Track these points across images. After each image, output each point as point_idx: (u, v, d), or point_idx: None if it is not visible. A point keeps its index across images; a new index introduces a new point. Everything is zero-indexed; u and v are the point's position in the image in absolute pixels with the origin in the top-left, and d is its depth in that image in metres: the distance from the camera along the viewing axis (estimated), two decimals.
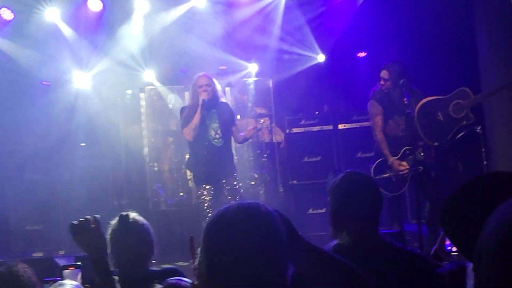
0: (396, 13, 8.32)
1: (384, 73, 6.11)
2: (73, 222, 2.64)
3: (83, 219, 2.64)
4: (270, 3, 8.36)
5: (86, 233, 2.58)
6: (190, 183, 8.35)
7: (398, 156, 6.01)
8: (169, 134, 9.11)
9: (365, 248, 2.55)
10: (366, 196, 2.63)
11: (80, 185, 8.12)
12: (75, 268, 3.00)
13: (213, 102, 6.36)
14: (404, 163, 5.97)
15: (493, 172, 1.91)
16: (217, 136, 6.41)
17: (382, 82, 6.12)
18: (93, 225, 2.62)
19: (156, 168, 8.89)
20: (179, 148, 8.86)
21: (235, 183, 6.47)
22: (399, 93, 5.89)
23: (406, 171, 5.92)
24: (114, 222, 3.07)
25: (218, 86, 6.59)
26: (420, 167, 5.86)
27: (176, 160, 8.82)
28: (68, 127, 8.39)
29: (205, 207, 6.31)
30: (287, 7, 8.36)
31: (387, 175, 6.01)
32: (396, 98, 5.99)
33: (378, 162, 6.11)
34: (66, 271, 3.01)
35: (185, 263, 7.09)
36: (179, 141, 8.88)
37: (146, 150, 8.60)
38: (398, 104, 5.97)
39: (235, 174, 6.52)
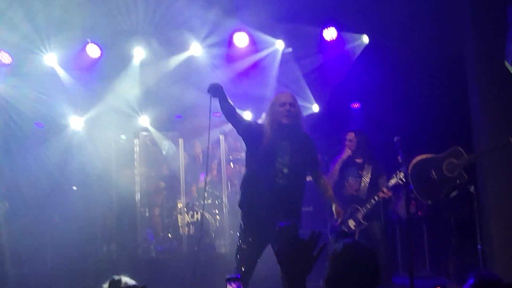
0: (390, 68, 8.44)
1: (350, 135, 6.89)
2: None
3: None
4: (267, 55, 8.47)
5: None
6: (181, 230, 8.30)
7: (347, 215, 6.54)
8: (161, 179, 9.09)
9: None
10: (364, 270, 2.62)
11: (70, 229, 8.03)
12: None
13: (289, 129, 4.98)
14: (350, 221, 6.56)
15: None
16: (279, 174, 4.91)
17: (347, 143, 6.88)
18: None
19: (147, 214, 8.84)
20: (171, 194, 8.84)
21: None
22: (360, 156, 6.80)
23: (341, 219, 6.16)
24: (105, 286, 3.00)
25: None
26: (365, 222, 6.51)
27: (167, 206, 8.79)
28: (60, 170, 8.36)
29: (235, 254, 4.96)
30: (283, 59, 8.47)
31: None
32: (354, 161, 6.81)
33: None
34: None
35: None
36: (171, 187, 8.87)
37: (138, 195, 8.54)
38: (353, 167, 6.76)
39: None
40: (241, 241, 4.96)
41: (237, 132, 5.14)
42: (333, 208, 5.33)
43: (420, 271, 8.54)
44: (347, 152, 6.83)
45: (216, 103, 5.00)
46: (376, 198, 6.50)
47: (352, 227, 6.47)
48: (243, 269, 4.82)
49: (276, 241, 4.64)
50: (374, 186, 6.63)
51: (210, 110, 5.12)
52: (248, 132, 5.05)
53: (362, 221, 6.51)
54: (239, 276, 2.74)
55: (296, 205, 5.02)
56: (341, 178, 6.76)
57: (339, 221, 6.01)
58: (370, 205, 6.51)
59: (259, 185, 4.95)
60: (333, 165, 6.89)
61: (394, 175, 6.39)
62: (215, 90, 4.94)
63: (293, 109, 4.98)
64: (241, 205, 5.09)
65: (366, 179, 6.69)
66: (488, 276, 2.88)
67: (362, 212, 6.53)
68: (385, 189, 6.45)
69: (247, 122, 5.19)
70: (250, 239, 4.92)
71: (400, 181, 6.29)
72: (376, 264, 2.64)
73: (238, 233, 5.09)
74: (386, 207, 8.31)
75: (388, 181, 6.43)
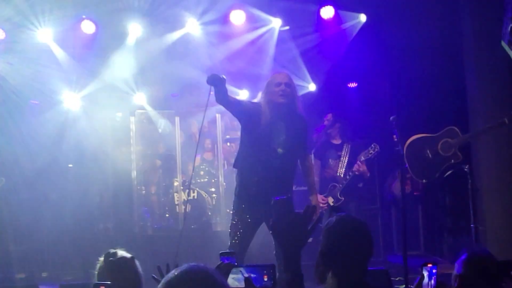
0: (387, 47, 8.42)
1: (328, 116, 7.18)
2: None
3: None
4: (264, 33, 8.42)
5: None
6: (178, 208, 8.34)
7: (326, 194, 6.85)
8: (157, 157, 9.10)
9: None
10: (358, 242, 2.65)
11: (66, 207, 8.05)
12: None
13: (286, 109, 5.00)
14: (330, 198, 6.85)
15: None
16: (274, 154, 4.96)
17: (325, 123, 7.18)
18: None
19: (143, 192, 8.86)
20: (167, 172, 8.85)
21: None
22: (338, 137, 7.09)
23: (325, 204, 6.76)
24: (101, 259, 3.01)
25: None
26: (342, 198, 6.82)
27: (164, 184, 8.81)
28: (56, 147, 8.34)
29: (229, 233, 4.98)
30: (280, 37, 8.42)
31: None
32: (332, 143, 7.11)
33: None
34: None
35: None
36: (168, 165, 8.88)
37: (134, 173, 8.55)
38: (332, 149, 7.03)
39: None
40: (236, 219, 4.98)
41: (232, 114, 5.17)
42: (312, 200, 5.24)
43: (414, 250, 8.62)
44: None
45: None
46: (351, 173, 6.76)
47: (331, 203, 6.78)
48: (237, 247, 4.85)
49: (270, 218, 4.68)
50: (353, 165, 6.85)
51: (207, 102, 5.05)
52: (243, 112, 5.04)
53: (339, 196, 6.82)
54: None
55: (289, 185, 5.04)
56: (322, 161, 7.05)
57: (314, 217, 6.12)
58: (346, 180, 6.80)
59: (254, 164, 4.98)
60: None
61: (366, 150, 6.68)
62: (215, 81, 4.76)
63: (289, 89, 4.96)
64: (237, 183, 5.12)
65: (345, 159, 6.96)
66: (481, 252, 2.92)
67: (340, 188, 6.84)
68: (358, 163, 6.69)
69: (242, 103, 5.18)
70: (244, 217, 4.95)
71: (370, 155, 6.63)
72: (369, 236, 2.67)
73: (232, 210, 5.12)
74: (380, 188, 8.40)
75: (361, 155, 6.72)
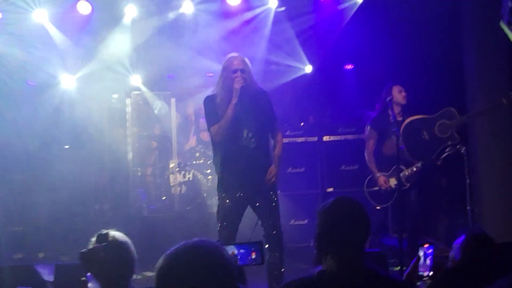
0: (384, 29, 8.36)
1: (399, 88, 6.49)
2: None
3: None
4: (259, 13, 8.35)
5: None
6: (173, 190, 8.34)
7: (388, 173, 6.35)
8: (153, 139, 9.09)
9: (349, 275, 2.56)
10: (355, 222, 2.64)
11: (63, 188, 8.05)
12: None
13: (248, 91, 4.98)
14: (392, 179, 6.28)
15: None
16: (249, 134, 4.96)
17: (398, 95, 6.44)
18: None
19: (139, 173, 8.86)
20: (163, 153, 8.86)
21: (271, 196, 5.03)
22: (401, 112, 6.38)
23: (389, 186, 6.32)
24: (93, 239, 2.98)
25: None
26: (407, 184, 6.22)
27: (160, 165, 8.81)
28: (52, 128, 8.33)
29: (217, 218, 5.04)
30: (276, 18, 8.35)
31: (377, 188, 6.43)
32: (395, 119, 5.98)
33: (370, 177, 6.53)
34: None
35: None
36: (163, 147, 8.88)
37: (130, 154, 8.55)
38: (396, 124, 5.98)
39: (270, 186, 5.03)
40: (222, 204, 5.02)
41: None
42: (271, 170, 5.07)
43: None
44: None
45: None
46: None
47: (393, 186, 6.24)
48: (226, 230, 4.90)
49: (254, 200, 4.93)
50: None
51: None
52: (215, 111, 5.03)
53: (405, 182, 6.20)
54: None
55: (267, 163, 5.02)
56: (381, 137, 6.44)
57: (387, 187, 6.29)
58: (417, 168, 6.20)
59: (231, 150, 5.00)
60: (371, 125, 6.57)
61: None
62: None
63: (244, 74, 4.94)
64: (218, 173, 5.14)
65: None
66: (479, 233, 2.91)
67: (409, 173, 6.23)
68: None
69: (214, 109, 5.07)
70: (228, 203, 4.99)
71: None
72: (365, 216, 2.66)
73: (217, 197, 5.13)
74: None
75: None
